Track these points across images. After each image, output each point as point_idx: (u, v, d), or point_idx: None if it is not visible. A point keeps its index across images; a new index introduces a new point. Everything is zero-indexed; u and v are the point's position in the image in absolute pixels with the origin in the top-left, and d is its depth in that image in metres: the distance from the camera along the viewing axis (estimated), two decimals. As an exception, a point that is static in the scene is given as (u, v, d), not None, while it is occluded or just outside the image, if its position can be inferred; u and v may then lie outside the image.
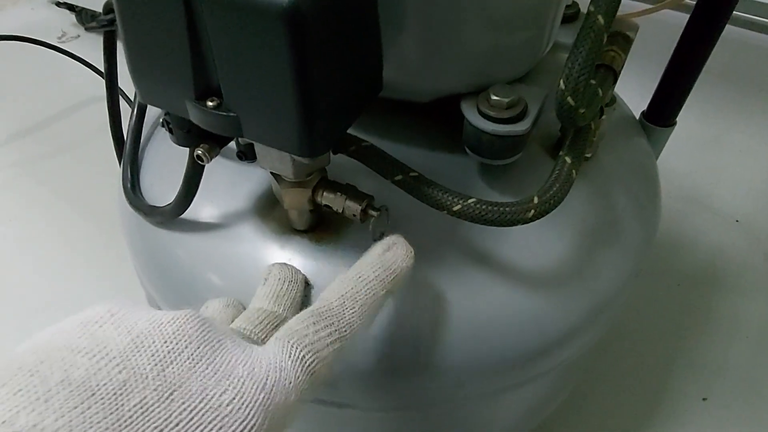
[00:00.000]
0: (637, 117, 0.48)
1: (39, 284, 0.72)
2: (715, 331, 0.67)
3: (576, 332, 0.35)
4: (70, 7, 1.18)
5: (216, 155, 0.29)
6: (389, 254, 0.27)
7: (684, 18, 0.42)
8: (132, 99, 0.42)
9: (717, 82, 0.86)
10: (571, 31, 0.38)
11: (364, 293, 0.25)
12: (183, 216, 0.36)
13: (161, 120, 0.29)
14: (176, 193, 0.34)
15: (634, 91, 0.56)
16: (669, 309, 0.69)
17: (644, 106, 0.48)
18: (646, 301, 0.69)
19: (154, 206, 0.37)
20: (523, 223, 0.28)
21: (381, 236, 0.33)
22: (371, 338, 0.32)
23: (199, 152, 0.29)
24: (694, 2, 0.42)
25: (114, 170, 0.68)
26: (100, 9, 1.08)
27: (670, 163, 0.64)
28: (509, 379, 0.35)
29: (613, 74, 0.30)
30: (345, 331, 0.24)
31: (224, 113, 0.24)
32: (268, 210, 0.35)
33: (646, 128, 0.47)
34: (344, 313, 0.24)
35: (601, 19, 0.24)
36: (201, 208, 0.36)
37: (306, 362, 0.22)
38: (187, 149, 0.32)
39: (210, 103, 0.25)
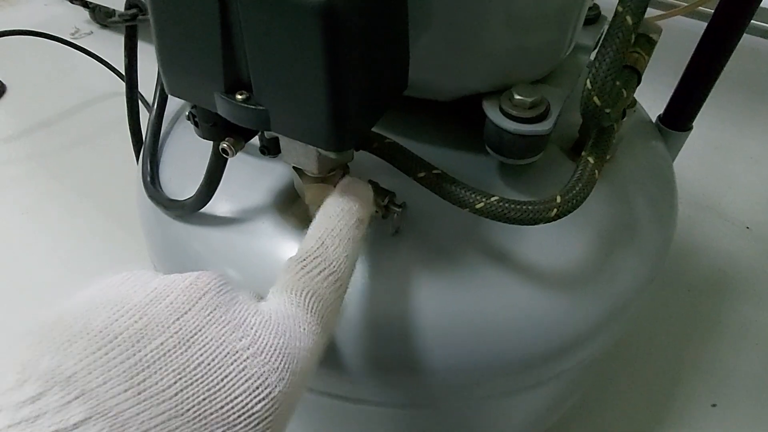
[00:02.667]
0: (653, 121, 0.48)
1: (52, 274, 0.72)
2: (724, 338, 0.67)
3: (592, 335, 0.35)
4: (84, 4, 1.18)
5: (241, 149, 0.30)
6: (347, 190, 0.27)
7: (695, 24, 0.43)
8: (149, 101, 0.43)
9: (729, 89, 0.86)
10: (592, 33, 0.39)
11: (338, 227, 0.25)
12: (202, 210, 0.36)
13: (187, 113, 0.29)
14: (196, 187, 0.35)
15: (645, 95, 0.56)
16: (679, 315, 0.69)
17: (656, 111, 0.48)
18: (655, 307, 0.69)
19: (174, 200, 0.37)
20: (545, 222, 0.28)
21: (397, 232, 0.33)
22: (389, 334, 0.32)
23: (225, 145, 0.29)
24: (707, 10, 0.42)
25: (126, 165, 0.69)
26: (114, 6, 1.08)
27: (681, 169, 0.64)
28: (523, 380, 0.35)
29: (637, 75, 0.30)
30: (334, 266, 0.24)
31: (253, 106, 0.25)
32: (288, 206, 0.35)
33: (662, 132, 0.47)
34: (327, 252, 0.24)
35: (629, 20, 0.25)
36: (220, 203, 0.36)
37: (309, 304, 0.22)
38: (208, 144, 0.33)
39: (239, 97, 0.25)
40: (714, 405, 0.61)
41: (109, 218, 0.79)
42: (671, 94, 0.46)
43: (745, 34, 0.42)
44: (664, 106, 0.47)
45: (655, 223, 0.38)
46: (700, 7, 0.59)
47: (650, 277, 0.37)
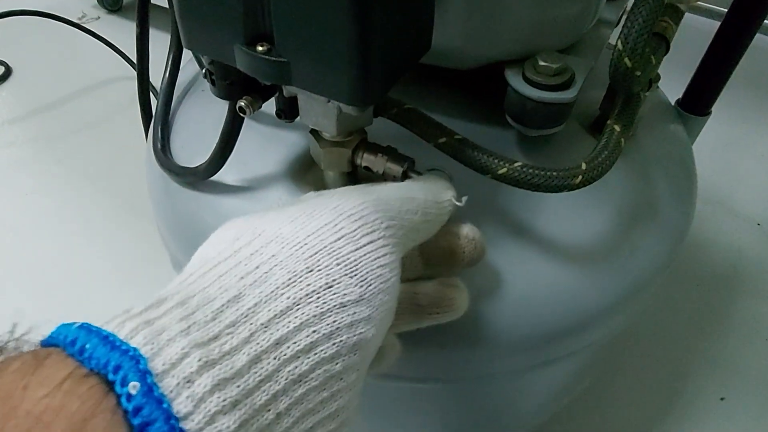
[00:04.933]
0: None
1: (56, 256, 0.71)
2: (733, 332, 0.66)
3: (610, 311, 0.34)
4: (92, -12, 1.18)
5: (258, 108, 0.29)
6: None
7: (698, 21, 0.42)
8: (156, 87, 0.42)
9: (741, 86, 0.85)
10: (615, 8, 0.38)
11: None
12: (213, 179, 0.35)
13: (204, 71, 0.29)
14: (209, 154, 0.34)
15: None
16: (688, 309, 0.68)
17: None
18: (664, 301, 0.68)
19: (186, 167, 0.36)
20: (569, 190, 0.27)
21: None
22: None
23: (242, 104, 0.28)
24: (708, 5, 0.42)
25: (131, 149, 0.68)
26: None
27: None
28: (539, 355, 0.34)
29: (665, 43, 0.29)
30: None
31: (275, 59, 0.24)
32: (302, 173, 0.35)
33: (680, 116, 0.46)
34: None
35: (663, -21, 0.24)
36: (231, 172, 0.35)
37: None
38: (219, 114, 0.32)
39: (260, 48, 0.24)
40: (722, 399, 0.60)
41: (114, 201, 0.78)
42: (678, 88, 0.46)
43: (761, 34, 0.42)
44: (675, 99, 0.47)
45: (676, 203, 0.37)
46: (699, 2, 0.58)
47: (670, 256, 0.36)
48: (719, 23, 0.42)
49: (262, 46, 0.24)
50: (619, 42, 0.25)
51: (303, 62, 0.24)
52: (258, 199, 0.34)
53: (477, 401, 0.36)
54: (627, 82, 0.26)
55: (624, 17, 0.39)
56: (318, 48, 0.23)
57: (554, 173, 0.27)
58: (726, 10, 0.42)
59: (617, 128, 0.28)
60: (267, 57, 0.24)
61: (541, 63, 0.30)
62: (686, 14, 0.49)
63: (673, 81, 0.49)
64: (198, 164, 0.35)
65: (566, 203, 0.33)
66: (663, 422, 0.59)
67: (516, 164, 0.27)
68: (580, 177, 0.27)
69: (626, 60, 0.25)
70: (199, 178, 0.35)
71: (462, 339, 0.31)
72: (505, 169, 0.27)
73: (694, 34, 0.61)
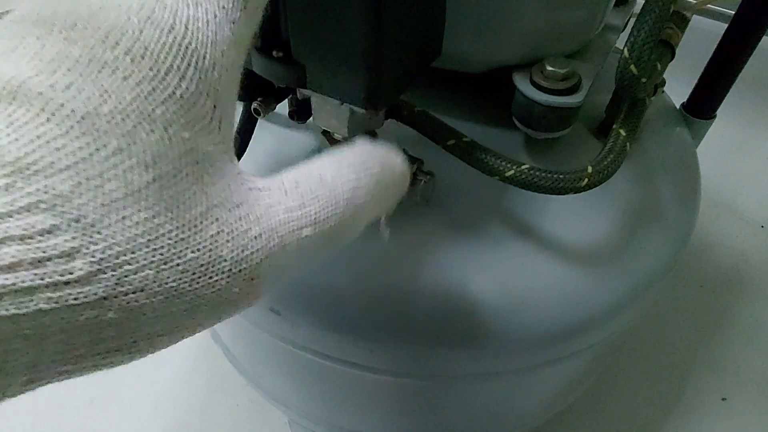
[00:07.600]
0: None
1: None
2: (736, 334, 0.67)
3: (614, 312, 0.35)
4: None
5: (272, 110, 0.30)
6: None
7: (705, 23, 0.42)
8: None
9: (748, 89, 0.86)
10: (622, 14, 0.38)
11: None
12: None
13: (220, 73, 0.29)
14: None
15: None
16: (691, 310, 0.69)
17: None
18: (668, 302, 0.69)
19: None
20: (575, 192, 0.28)
21: (426, 203, 0.33)
22: (410, 304, 0.32)
23: (256, 105, 0.29)
24: (716, 8, 0.42)
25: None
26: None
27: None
28: (543, 355, 0.35)
29: (670, 50, 0.30)
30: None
31: (291, 63, 0.25)
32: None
33: (685, 120, 0.47)
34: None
35: (669, -12, 0.24)
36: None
37: None
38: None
39: (276, 53, 0.25)
40: (724, 399, 0.61)
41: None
42: (683, 91, 0.46)
43: (764, 36, 0.42)
44: (680, 102, 0.47)
45: (680, 206, 0.38)
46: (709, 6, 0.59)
47: (673, 259, 0.37)
48: (725, 26, 0.43)
49: (278, 50, 0.25)
50: (626, 50, 0.26)
51: (318, 67, 0.24)
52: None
53: (480, 399, 0.37)
54: (633, 88, 0.27)
55: (630, 22, 0.40)
56: (333, 53, 0.23)
57: (561, 176, 0.28)
58: (732, 12, 0.42)
59: (623, 133, 0.29)
60: (283, 62, 0.25)
61: (549, 68, 0.31)
62: (693, 17, 0.50)
63: (678, 84, 0.50)
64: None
65: (571, 205, 0.34)
66: (665, 422, 0.59)
67: (523, 167, 0.28)
68: (586, 180, 0.28)
69: (632, 67, 0.26)
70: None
71: (467, 338, 0.32)
72: (512, 171, 0.28)
73: (700, 36, 0.62)
